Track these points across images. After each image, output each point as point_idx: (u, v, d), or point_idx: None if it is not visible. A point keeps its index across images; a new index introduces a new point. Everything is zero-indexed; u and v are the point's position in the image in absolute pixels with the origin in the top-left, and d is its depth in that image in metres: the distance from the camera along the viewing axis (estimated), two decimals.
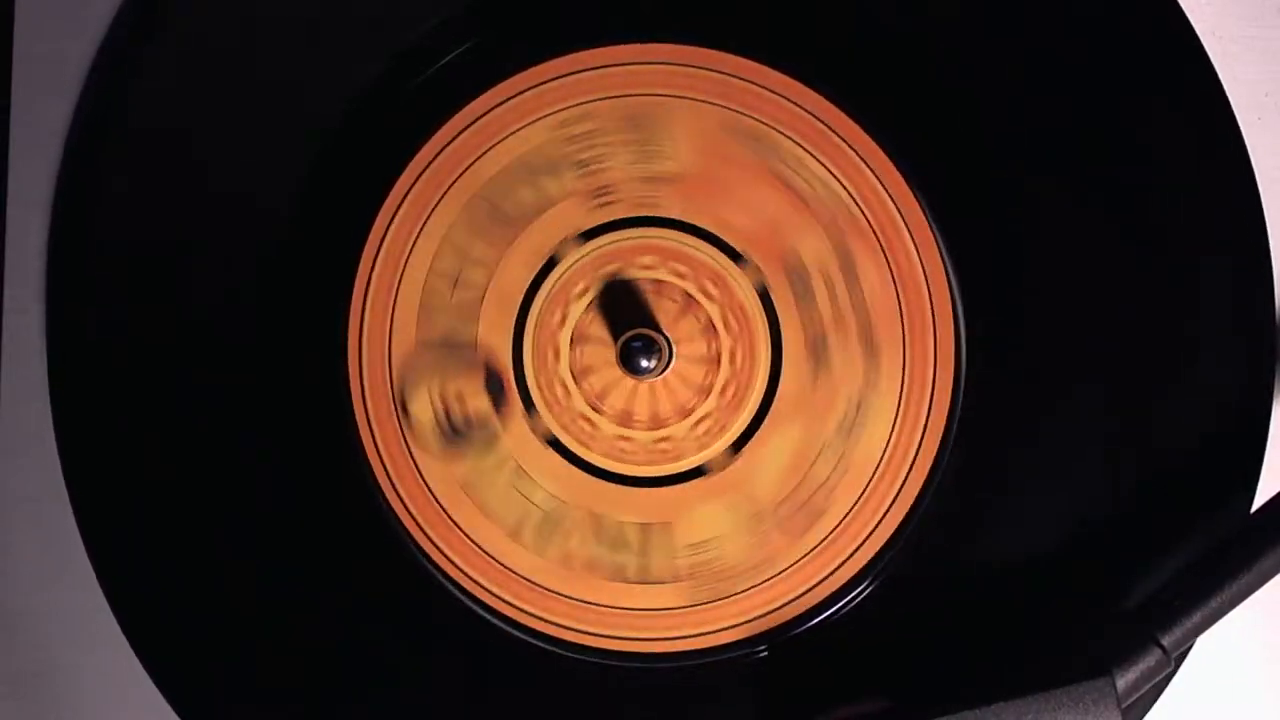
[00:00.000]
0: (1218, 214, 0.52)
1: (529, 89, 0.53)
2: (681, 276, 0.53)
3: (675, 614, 0.52)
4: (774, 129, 0.53)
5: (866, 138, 0.53)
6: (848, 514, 0.52)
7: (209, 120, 0.53)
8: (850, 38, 0.53)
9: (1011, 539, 0.52)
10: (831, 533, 0.52)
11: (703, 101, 0.53)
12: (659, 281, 0.53)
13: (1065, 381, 0.52)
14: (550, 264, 0.53)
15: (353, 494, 0.53)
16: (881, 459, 0.52)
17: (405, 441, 0.53)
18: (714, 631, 0.52)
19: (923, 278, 0.53)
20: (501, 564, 0.53)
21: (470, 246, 0.53)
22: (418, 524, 0.53)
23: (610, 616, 0.52)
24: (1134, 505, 0.51)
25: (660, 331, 0.52)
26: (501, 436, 0.53)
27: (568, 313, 0.53)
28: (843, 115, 0.53)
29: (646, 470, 0.53)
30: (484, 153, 0.53)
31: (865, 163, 0.53)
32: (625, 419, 0.53)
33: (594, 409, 0.53)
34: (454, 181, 0.53)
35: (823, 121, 0.53)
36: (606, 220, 0.53)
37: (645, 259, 0.53)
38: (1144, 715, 0.51)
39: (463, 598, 0.53)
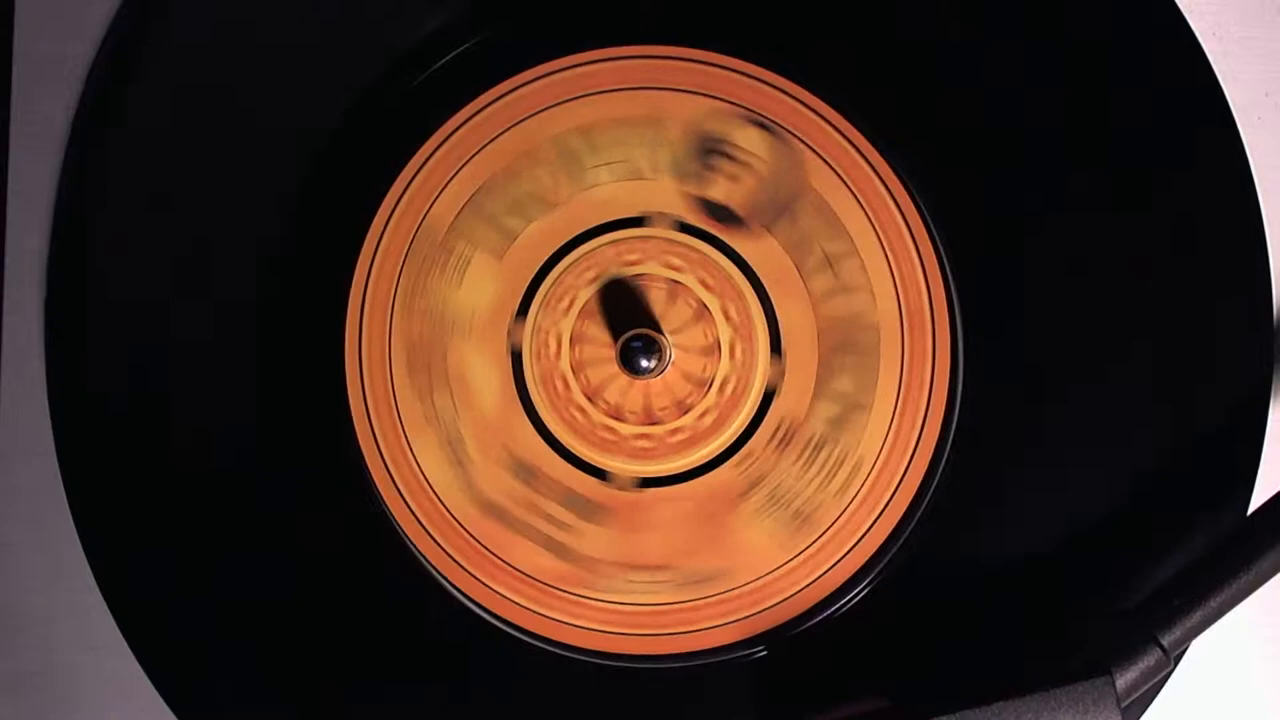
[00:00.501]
0: (1217, 214, 0.52)
1: (529, 84, 0.53)
2: (729, 320, 0.53)
3: (671, 610, 0.52)
4: (780, 127, 0.53)
5: (867, 141, 0.53)
6: (845, 512, 0.52)
7: (209, 120, 0.53)
8: (852, 39, 0.53)
9: (1011, 538, 0.51)
10: (829, 530, 0.52)
11: (705, 96, 0.53)
12: (704, 306, 0.53)
13: (1064, 381, 0.52)
14: (636, 221, 0.53)
15: (352, 494, 0.53)
16: (880, 457, 0.52)
17: (405, 440, 0.53)
18: (711, 629, 0.52)
19: (922, 277, 0.53)
20: (499, 559, 0.53)
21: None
22: (417, 520, 0.53)
23: (605, 613, 0.52)
24: (1134, 505, 0.51)
25: (660, 331, 0.52)
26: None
27: (575, 298, 0.53)
28: (844, 119, 0.53)
29: (644, 469, 0.53)
30: (483, 149, 0.53)
31: (867, 162, 0.53)
32: (618, 412, 0.53)
33: (591, 403, 0.53)
34: (453, 177, 0.53)
35: (828, 122, 0.53)
36: (613, 219, 0.53)
37: (674, 260, 0.53)
38: (1141, 715, 0.51)
39: (461, 596, 0.53)
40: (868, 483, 0.52)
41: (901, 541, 0.52)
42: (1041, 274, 0.52)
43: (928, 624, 0.51)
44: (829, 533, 0.52)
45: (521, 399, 0.53)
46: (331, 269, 0.53)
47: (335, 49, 0.53)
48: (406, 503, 0.53)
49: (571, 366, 0.53)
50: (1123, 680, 0.47)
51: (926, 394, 0.52)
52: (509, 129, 0.53)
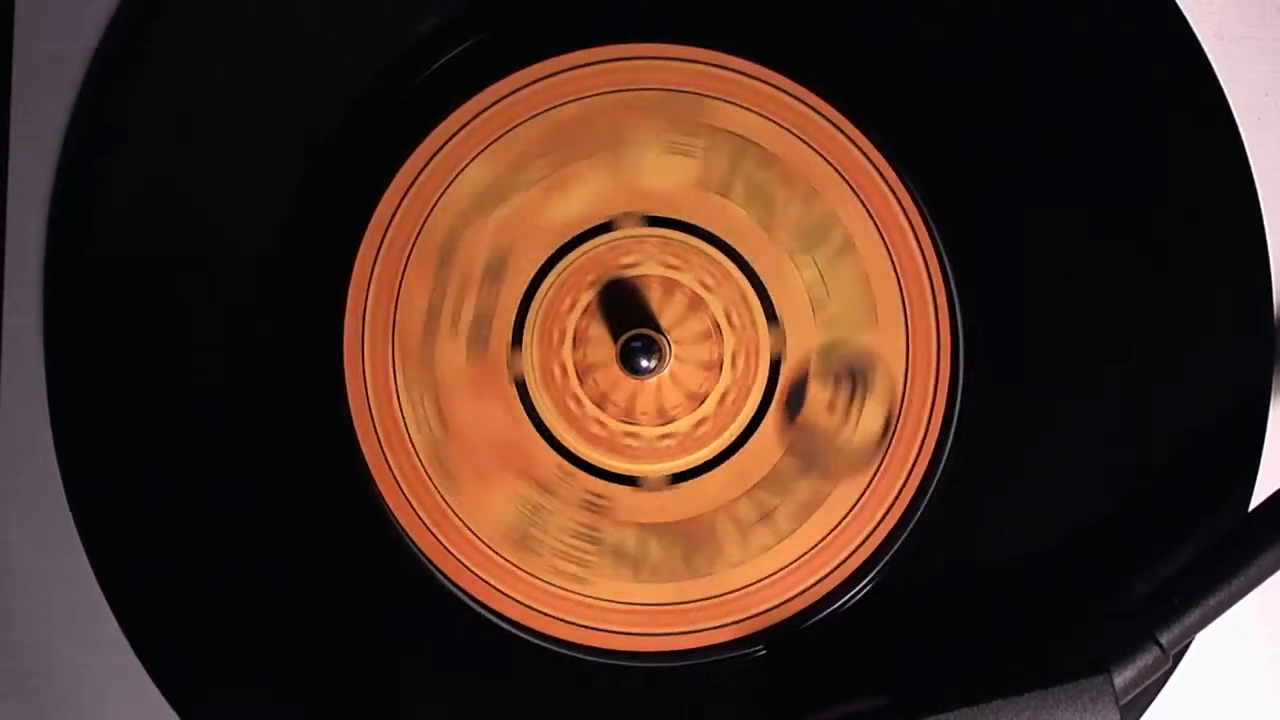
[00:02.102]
0: (1217, 214, 0.52)
1: (532, 83, 0.53)
2: (710, 289, 0.53)
3: (671, 610, 0.52)
4: (783, 128, 0.53)
5: (869, 143, 0.53)
6: (849, 513, 0.52)
7: (209, 120, 0.53)
8: (854, 40, 0.53)
9: (1011, 537, 0.51)
10: (832, 532, 0.52)
11: (707, 97, 0.53)
12: (670, 280, 0.53)
13: (1065, 381, 0.52)
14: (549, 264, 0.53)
15: (352, 494, 0.53)
16: (882, 458, 0.52)
17: (406, 439, 0.53)
18: (711, 629, 0.52)
19: (924, 275, 0.53)
20: (497, 557, 0.53)
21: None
22: (418, 518, 0.53)
23: (608, 612, 0.52)
24: (1134, 505, 0.51)
25: (660, 331, 0.52)
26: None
27: (577, 298, 0.53)
28: (848, 121, 0.53)
29: (643, 468, 0.53)
30: (485, 149, 0.53)
31: (870, 163, 0.53)
32: (627, 413, 0.53)
33: (597, 406, 0.53)
34: (457, 176, 0.53)
35: (832, 124, 0.53)
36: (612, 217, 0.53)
37: (670, 259, 0.53)
38: (1142, 715, 0.51)
39: (461, 595, 0.53)
40: (871, 484, 0.52)
41: (901, 541, 0.52)
42: (1041, 274, 0.52)
43: (928, 624, 0.51)
44: (831, 534, 0.52)
45: (581, 466, 0.53)
46: (332, 269, 0.53)
47: (335, 49, 0.53)
48: (408, 500, 0.53)
49: (579, 373, 0.53)
50: (1121, 679, 0.47)
51: (930, 395, 0.52)
52: (513, 129, 0.53)
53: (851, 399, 0.52)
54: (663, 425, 0.53)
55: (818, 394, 0.52)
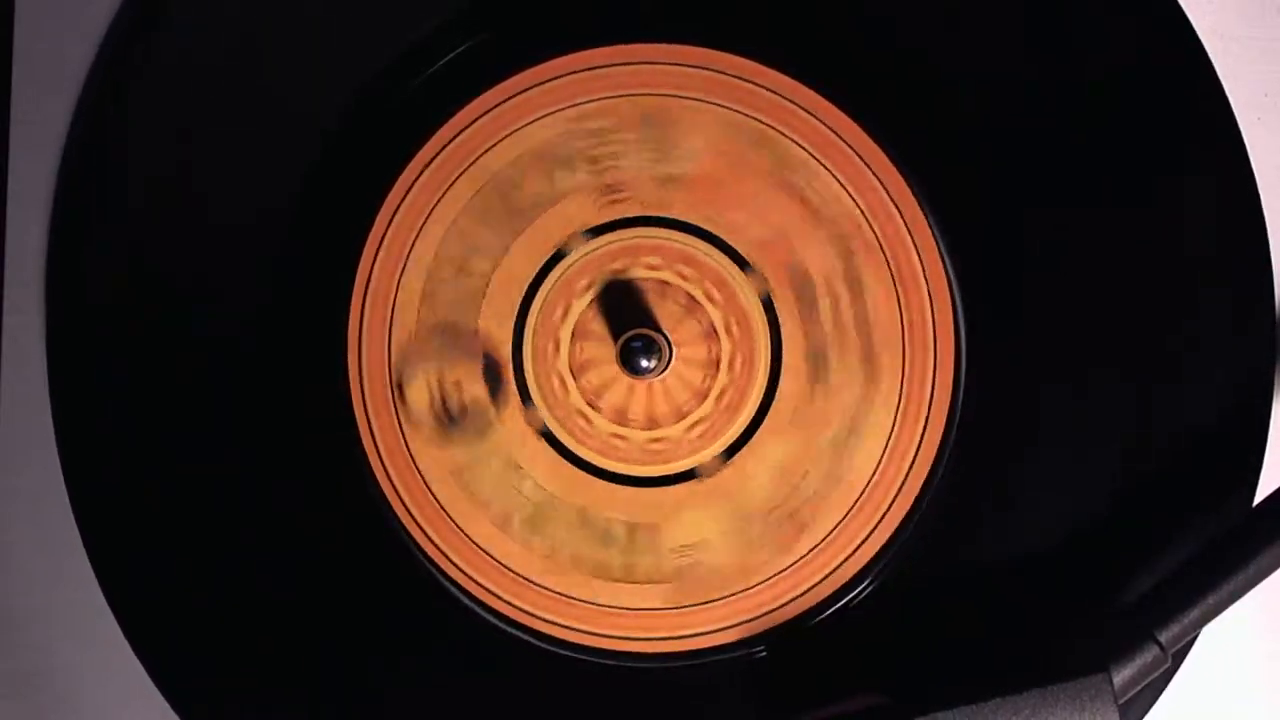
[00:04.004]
0: (1217, 214, 0.52)
1: (534, 86, 0.53)
2: (685, 279, 0.53)
3: (663, 614, 0.52)
4: (783, 133, 0.53)
5: (873, 145, 0.53)
6: (847, 513, 0.52)
7: (209, 119, 0.53)
8: (856, 42, 0.53)
9: (1010, 536, 0.51)
10: (831, 532, 0.52)
11: (709, 103, 0.53)
12: (663, 282, 0.53)
13: (1065, 380, 0.52)
14: (557, 257, 0.53)
15: (353, 494, 0.53)
16: (881, 457, 0.52)
17: (404, 438, 0.53)
18: (704, 634, 0.52)
19: (922, 276, 0.53)
20: (495, 559, 0.53)
21: (476, 237, 0.53)
22: (416, 522, 0.53)
23: (604, 616, 0.52)
24: (1133, 505, 0.51)
25: (661, 332, 0.52)
26: (495, 425, 0.53)
27: (570, 306, 0.53)
28: (853, 124, 0.53)
29: (638, 470, 0.53)
30: (489, 148, 0.53)
31: (870, 169, 0.53)
32: (620, 417, 0.53)
33: (591, 406, 0.53)
34: (459, 176, 0.53)
35: (833, 130, 0.53)
36: (615, 218, 0.53)
37: (651, 259, 0.53)
38: (1143, 715, 0.51)
39: (461, 596, 0.53)
40: (870, 483, 0.52)
41: (902, 542, 0.52)
42: (1041, 273, 0.52)
43: (927, 624, 0.51)
44: (832, 534, 0.52)
45: (520, 391, 0.53)
46: (333, 270, 0.53)
47: (335, 49, 0.53)
48: (406, 502, 0.53)
49: (571, 368, 0.53)
50: (1120, 677, 0.47)
51: (928, 394, 0.52)
52: (516, 129, 0.53)
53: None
54: (651, 431, 0.53)
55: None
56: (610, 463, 0.53)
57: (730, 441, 0.53)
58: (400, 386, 0.53)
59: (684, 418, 0.53)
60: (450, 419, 0.51)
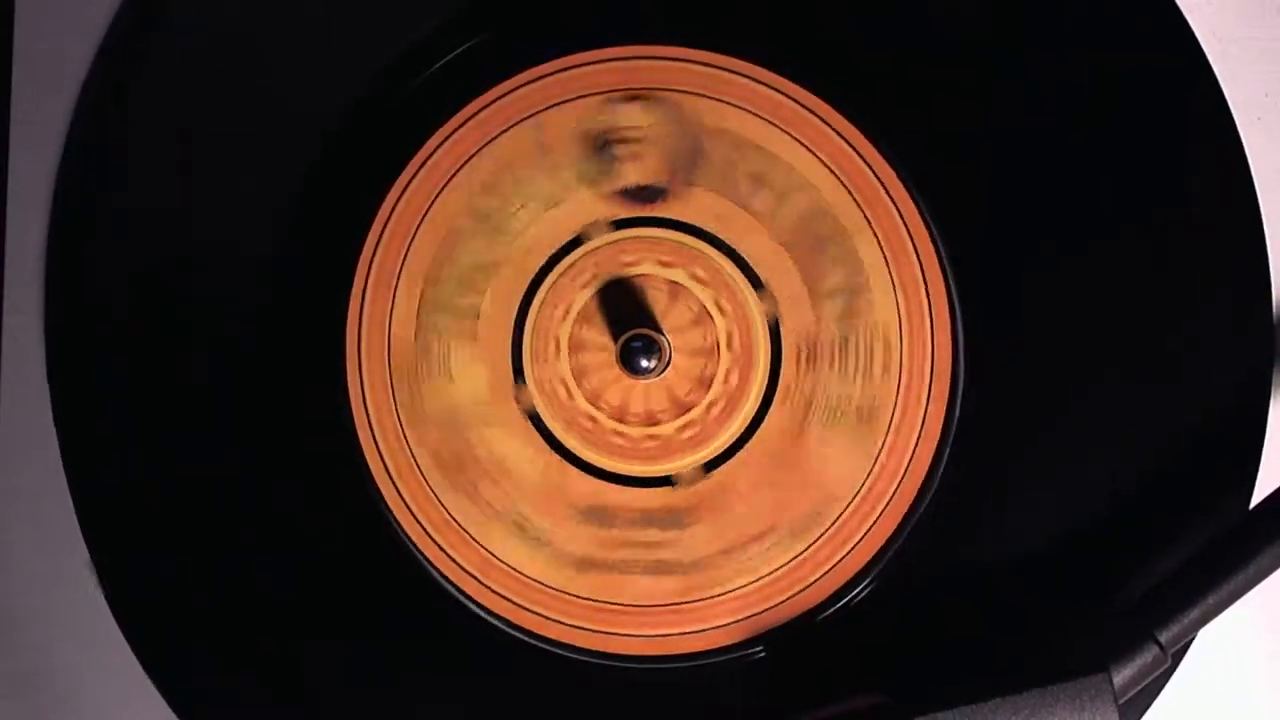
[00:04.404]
0: (1216, 214, 0.52)
1: (534, 82, 0.53)
2: (702, 283, 0.53)
3: (663, 613, 0.52)
4: (785, 132, 0.53)
5: (873, 148, 0.53)
6: (844, 512, 0.52)
7: (209, 119, 0.53)
8: (856, 42, 0.53)
9: (1010, 536, 0.51)
10: (828, 530, 0.52)
11: (712, 99, 0.53)
12: (674, 283, 0.53)
13: (1064, 380, 0.52)
14: (574, 243, 0.53)
15: (353, 494, 0.53)
16: (879, 456, 0.52)
17: (404, 437, 0.53)
18: (711, 629, 0.52)
19: (921, 276, 0.53)
20: (495, 559, 0.53)
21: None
22: (416, 522, 0.53)
23: (604, 615, 0.52)
24: (1133, 505, 0.51)
25: (660, 332, 0.52)
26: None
27: (572, 302, 0.53)
28: (857, 131, 0.53)
29: (639, 470, 0.53)
30: (488, 144, 0.53)
31: (870, 169, 0.53)
32: (621, 414, 0.53)
33: (593, 404, 0.53)
34: (459, 171, 0.53)
35: (833, 130, 0.53)
36: (633, 215, 0.53)
37: (664, 257, 0.53)
38: (1142, 714, 0.51)
39: (460, 596, 0.53)
40: (868, 482, 0.52)
41: (901, 541, 0.52)
42: (1041, 273, 0.52)
43: (928, 623, 0.51)
44: (830, 532, 0.52)
45: (559, 451, 0.53)
46: (333, 270, 0.53)
47: (334, 49, 0.53)
48: (406, 502, 0.53)
49: (588, 399, 0.53)
50: (1120, 677, 0.47)
51: (925, 394, 0.52)
52: (516, 126, 0.53)
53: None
54: (648, 428, 0.53)
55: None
56: (611, 462, 0.53)
57: (717, 453, 0.53)
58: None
59: (686, 411, 0.53)
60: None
